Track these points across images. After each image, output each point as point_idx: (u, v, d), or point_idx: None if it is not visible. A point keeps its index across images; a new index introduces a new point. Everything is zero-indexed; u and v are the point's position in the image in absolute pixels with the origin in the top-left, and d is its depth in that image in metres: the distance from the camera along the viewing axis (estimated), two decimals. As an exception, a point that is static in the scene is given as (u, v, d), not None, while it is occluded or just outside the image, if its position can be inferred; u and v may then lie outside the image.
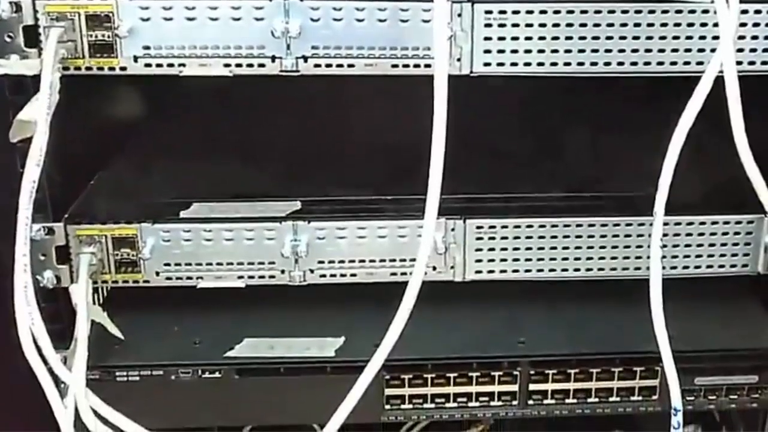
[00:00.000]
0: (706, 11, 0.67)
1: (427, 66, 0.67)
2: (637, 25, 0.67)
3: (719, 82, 0.63)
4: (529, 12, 0.66)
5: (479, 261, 0.73)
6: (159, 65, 0.66)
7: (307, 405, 0.72)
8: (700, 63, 0.68)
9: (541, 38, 0.67)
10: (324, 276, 0.72)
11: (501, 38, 0.67)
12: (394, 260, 0.72)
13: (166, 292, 0.73)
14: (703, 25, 0.67)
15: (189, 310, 0.77)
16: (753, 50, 0.68)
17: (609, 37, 0.67)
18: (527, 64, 0.68)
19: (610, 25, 0.67)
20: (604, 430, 1.05)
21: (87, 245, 0.70)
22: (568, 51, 0.68)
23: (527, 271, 0.74)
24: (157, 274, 0.71)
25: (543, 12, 0.66)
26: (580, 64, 0.68)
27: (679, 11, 0.67)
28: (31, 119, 0.61)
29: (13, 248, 0.63)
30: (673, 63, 0.68)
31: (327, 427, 0.65)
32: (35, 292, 0.64)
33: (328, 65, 0.67)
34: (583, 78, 0.69)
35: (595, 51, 0.68)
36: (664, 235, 0.68)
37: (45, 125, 0.61)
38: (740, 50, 0.67)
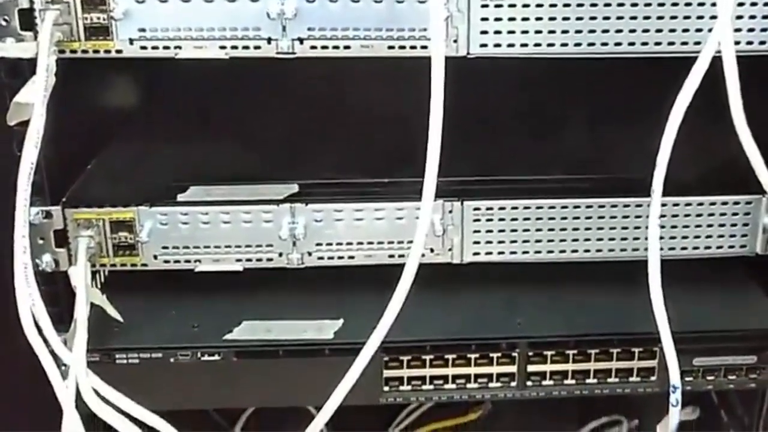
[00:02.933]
0: (704, -9, 0.66)
1: (424, 47, 0.66)
2: (634, 5, 0.67)
3: (718, 64, 0.63)
4: (525, -8, 0.66)
5: (477, 243, 0.73)
6: (155, 48, 0.66)
7: (305, 387, 0.72)
8: (697, 43, 0.67)
9: (538, 19, 0.67)
10: (322, 258, 0.72)
11: (497, 19, 0.66)
12: (392, 242, 0.73)
13: (164, 275, 0.73)
14: (701, 4, 0.67)
15: (187, 294, 0.77)
16: (751, 30, 0.68)
17: (606, 18, 0.67)
18: (524, 45, 0.68)
19: (607, 5, 0.67)
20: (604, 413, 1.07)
21: (85, 229, 0.70)
22: (564, 32, 0.67)
23: (525, 252, 0.74)
24: (155, 257, 0.72)
25: (539, -8, 0.66)
26: (578, 45, 0.68)
27: (676, -9, 0.67)
28: (28, 102, 0.61)
29: (11, 233, 0.64)
30: (671, 43, 0.68)
31: (324, 408, 0.65)
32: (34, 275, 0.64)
33: (324, 47, 0.67)
34: (580, 59, 0.68)
35: (592, 31, 0.67)
36: (662, 216, 0.68)
37: (42, 107, 0.61)
38: (738, 30, 0.67)
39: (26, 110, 0.62)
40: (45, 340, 0.65)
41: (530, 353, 0.74)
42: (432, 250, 0.73)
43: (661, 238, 0.68)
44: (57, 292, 0.70)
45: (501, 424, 1.09)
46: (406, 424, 1.07)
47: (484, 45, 0.67)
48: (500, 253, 0.74)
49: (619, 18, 0.67)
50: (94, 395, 0.66)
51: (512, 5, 0.66)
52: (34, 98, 0.61)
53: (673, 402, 0.68)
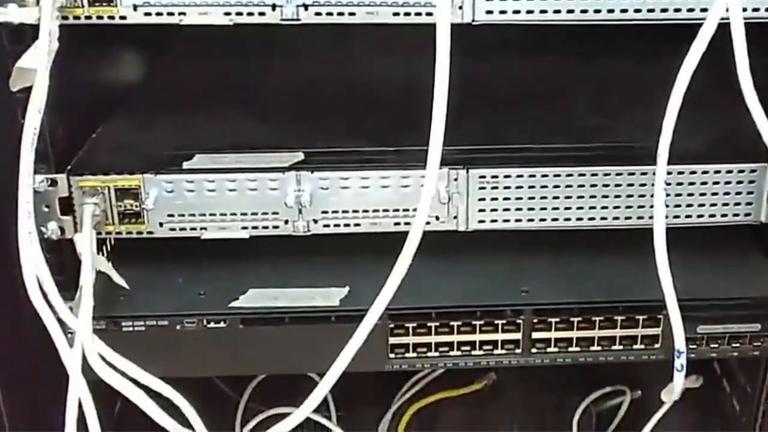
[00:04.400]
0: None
1: (429, 14, 0.66)
2: (639, -30, 0.67)
3: (725, 35, 0.62)
4: (530, -43, 0.66)
5: (482, 211, 0.73)
6: (159, 14, 0.66)
7: (312, 354, 0.72)
8: (704, 10, 0.67)
9: (543, -15, 0.66)
10: (328, 226, 0.73)
11: (502, -15, 0.66)
12: (397, 210, 0.73)
13: (170, 243, 0.73)
14: (707, -30, 0.67)
15: (193, 262, 0.77)
16: (759, -5, 0.67)
17: (612, -18, 0.67)
18: (529, 11, 0.67)
19: (612, -30, 0.67)
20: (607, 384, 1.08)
21: (90, 196, 0.70)
22: (571, -2, 0.67)
23: (530, 220, 0.74)
24: (161, 225, 0.72)
25: (544, -43, 0.66)
26: (584, 11, 0.67)
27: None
28: (30, 67, 0.61)
29: (16, 201, 0.64)
30: (677, 10, 0.67)
31: (328, 374, 0.65)
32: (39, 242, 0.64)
33: (329, 14, 0.66)
34: (586, 26, 0.68)
35: (598, -2, 0.67)
36: (667, 184, 0.68)
37: (45, 72, 0.61)
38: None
39: (29, 76, 0.62)
40: (51, 307, 0.65)
41: (535, 320, 0.74)
42: (437, 218, 0.73)
43: (666, 206, 0.68)
44: (63, 260, 0.70)
45: (505, 395, 1.10)
46: (410, 394, 1.08)
47: (489, 12, 0.67)
48: (505, 220, 0.74)
49: (625, -17, 0.67)
50: (100, 360, 0.66)
51: (516, -29, 0.66)
52: (36, 63, 0.61)
53: (678, 367, 0.68)
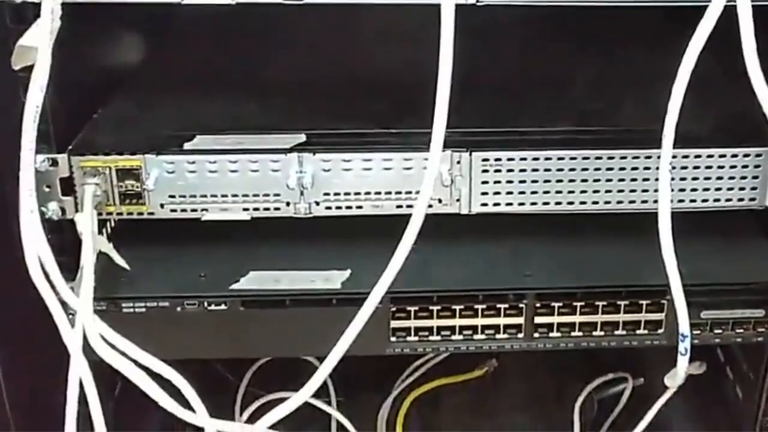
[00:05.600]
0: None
1: (433, -6, 0.66)
2: (644, -48, 0.66)
3: (732, 17, 0.62)
4: (535, -64, 0.65)
5: (485, 194, 0.73)
6: (160, -8, 0.65)
7: (312, 337, 0.72)
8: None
9: (547, -35, 0.66)
10: (330, 208, 0.72)
11: (506, -34, 0.66)
12: (399, 193, 0.72)
13: (171, 225, 0.73)
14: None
15: (194, 243, 0.77)
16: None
17: (616, -36, 0.66)
18: (533, -9, 0.67)
19: (617, -49, 0.66)
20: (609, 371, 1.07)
21: (91, 176, 0.69)
22: (574, -22, 0.66)
23: (533, 203, 0.73)
24: (162, 206, 0.71)
25: (548, -63, 0.65)
26: (588, -8, 0.67)
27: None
28: (32, 45, 0.61)
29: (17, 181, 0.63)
30: (683, -9, 0.67)
31: (329, 357, 0.65)
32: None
33: (332, -7, 0.66)
34: (591, 8, 0.67)
35: (602, -22, 0.67)
36: (671, 168, 0.68)
37: (47, 50, 0.61)
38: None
39: (31, 54, 0.62)
40: (52, 286, 0.64)
41: (538, 305, 0.73)
42: (440, 201, 0.72)
43: (671, 190, 0.68)
44: (64, 241, 0.70)
45: (506, 382, 1.10)
46: (411, 380, 1.07)
47: (494, -8, 0.67)
48: (508, 204, 0.73)
49: (630, -35, 0.66)
50: (101, 340, 0.66)
51: (521, -49, 0.66)
52: (38, 41, 0.61)
53: (682, 351, 0.68)
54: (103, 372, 0.68)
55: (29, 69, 0.62)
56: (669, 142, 0.65)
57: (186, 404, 0.68)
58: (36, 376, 0.77)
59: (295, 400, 0.66)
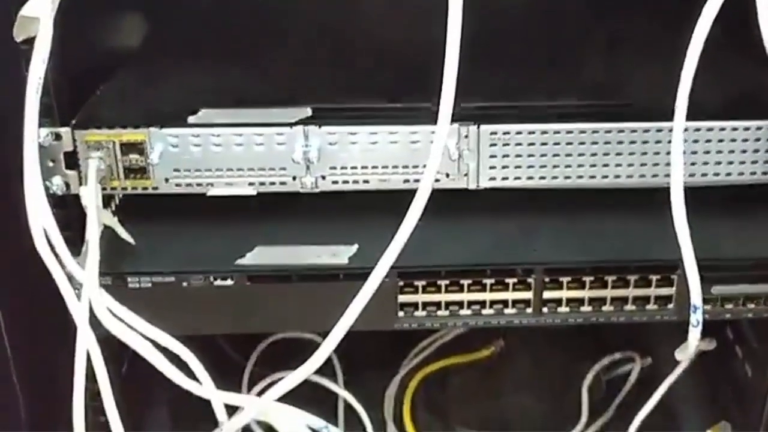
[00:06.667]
0: None
1: (441, -36, 0.65)
2: None
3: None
4: None
5: (493, 168, 0.72)
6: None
7: (319, 313, 0.71)
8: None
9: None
10: (336, 183, 0.71)
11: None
12: (407, 167, 0.71)
13: (176, 200, 0.72)
14: None
15: (200, 219, 0.76)
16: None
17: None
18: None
19: None
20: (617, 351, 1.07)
21: (95, 150, 0.69)
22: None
23: (542, 178, 0.72)
24: (167, 180, 0.71)
25: None
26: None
27: None
28: (34, 15, 0.60)
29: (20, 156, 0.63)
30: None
31: (334, 330, 0.64)
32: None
33: (338, -38, 0.65)
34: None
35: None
36: (684, 141, 0.67)
37: (49, 21, 0.60)
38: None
39: (33, 25, 0.61)
40: (58, 259, 0.64)
41: (546, 279, 0.72)
42: (447, 175, 0.72)
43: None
44: (68, 216, 0.69)
45: (513, 362, 1.09)
46: (418, 360, 1.07)
47: (503, -38, 0.66)
48: (517, 178, 0.72)
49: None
50: (108, 313, 0.65)
51: None
52: (40, 12, 0.60)
53: (694, 323, 0.67)
54: (109, 352, 0.68)
55: (31, 41, 0.62)
56: (682, 113, 0.64)
57: (193, 377, 0.68)
58: (44, 352, 0.77)
59: (301, 372, 0.65)
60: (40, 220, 0.63)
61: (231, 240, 0.74)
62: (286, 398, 0.69)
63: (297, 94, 0.75)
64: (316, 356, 0.65)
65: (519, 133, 0.71)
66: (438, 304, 0.73)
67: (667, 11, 0.84)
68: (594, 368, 1.05)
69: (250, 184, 0.71)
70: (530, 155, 0.72)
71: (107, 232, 0.70)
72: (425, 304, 0.73)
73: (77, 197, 0.69)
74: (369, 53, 0.88)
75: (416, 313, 0.73)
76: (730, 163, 0.73)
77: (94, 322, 0.66)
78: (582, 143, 0.72)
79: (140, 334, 0.66)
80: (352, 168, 0.71)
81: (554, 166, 0.72)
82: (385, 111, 0.73)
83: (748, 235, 0.76)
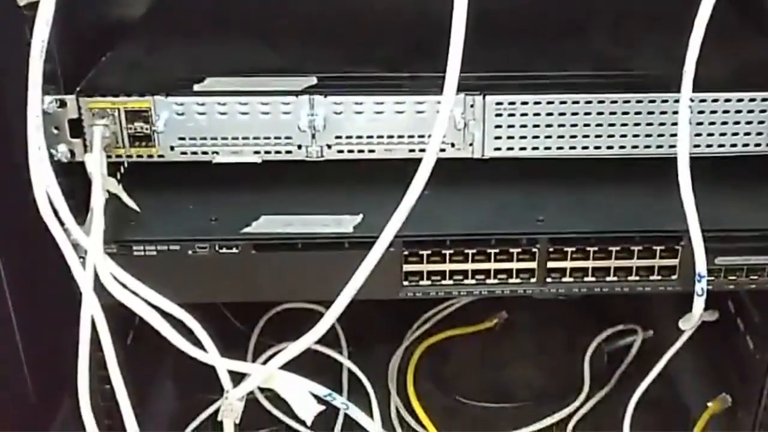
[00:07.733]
0: None
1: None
2: None
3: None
4: None
5: (498, 138, 0.72)
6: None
7: (324, 281, 0.71)
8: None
9: None
10: (341, 152, 0.71)
11: None
12: (412, 136, 0.71)
13: (181, 168, 0.72)
14: None
15: (205, 187, 0.76)
16: None
17: None
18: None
19: None
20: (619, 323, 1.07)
21: (100, 118, 0.68)
22: None
23: (547, 148, 0.72)
24: (172, 148, 0.71)
25: None
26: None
27: None
28: (37, -22, 0.60)
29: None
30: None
31: (340, 298, 0.65)
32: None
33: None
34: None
35: None
36: (690, 111, 0.67)
37: (52, -19, 0.60)
38: None
39: (36, -11, 0.61)
40: (62, 225, 0.64)
41: (551, 249, 0.72)
42: (453, 145, 0.72)
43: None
44: (73, 184, 0.69)
45: (516, 333, 1.10)
46: (421, 331, 1.08)
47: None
48: (522, 148, 0.72)
49: None
50: (112, 279, 0.65)
51: None
52: (44, -23, 0.60)
53: (699, 291, 0.67)
54: (114, 324, 0.68)
55: (34, 6, 0.61)
56: (689, 82, 0.63)
57: (198, 344, 0.68)
58: (50, 322, 0.77)
59: (306, 339, 0.66)
60: (45, 187, 0.63)
61: (236, 208, 0.74)
62: (291, 369, 0.70)
63: (303, 63, 0.75)
64: (321, 323, 0.66)
65: (524, 103, 0.71)
66: (443, 274, 0.73)
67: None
68: (596, 340, 1.06)
69: (256, 152, 0.71)
70: (535, 125, 0.72)
71: (113, 202, 0.70)
72: (430, 274, 0.73)
73: (82, 165, 0.68)
74: (375, 22, 0.87)
75: (421, 283, 0.73)
76: (736, 134, 0.73)
77: (100, 290, 0.66)
78: (587, 113, 0.72)
79: (145, 301, 0.66)
80: (358, 137, 0.71)
81: (559, 137, 0.72)
82: (390, 80, 0.73)
83: (753, 207, 0.76)
